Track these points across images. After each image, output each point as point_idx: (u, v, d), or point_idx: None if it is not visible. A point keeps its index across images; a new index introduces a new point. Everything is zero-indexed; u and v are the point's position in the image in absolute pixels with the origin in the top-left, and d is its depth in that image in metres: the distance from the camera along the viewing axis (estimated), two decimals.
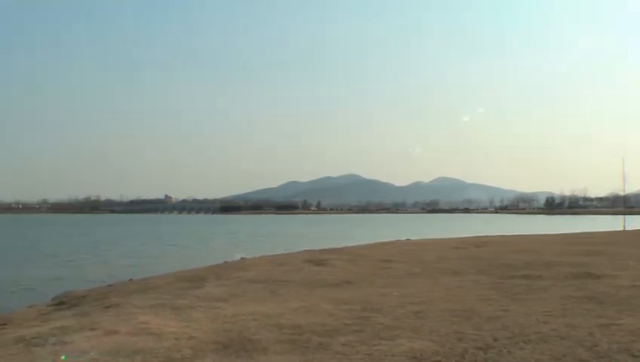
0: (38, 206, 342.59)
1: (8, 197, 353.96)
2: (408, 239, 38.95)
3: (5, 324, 13.30)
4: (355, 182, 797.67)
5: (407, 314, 10.03)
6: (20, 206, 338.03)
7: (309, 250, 29.07)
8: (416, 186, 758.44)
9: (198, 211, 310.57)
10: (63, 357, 7.56)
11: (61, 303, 16.36)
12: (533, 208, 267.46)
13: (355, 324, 9.21)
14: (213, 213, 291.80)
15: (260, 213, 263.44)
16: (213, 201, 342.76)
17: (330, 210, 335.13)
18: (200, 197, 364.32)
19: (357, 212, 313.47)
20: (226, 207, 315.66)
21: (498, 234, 46.48)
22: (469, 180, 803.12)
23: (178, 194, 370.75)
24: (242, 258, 27.19)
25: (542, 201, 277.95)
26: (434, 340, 8.00)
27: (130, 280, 21.07)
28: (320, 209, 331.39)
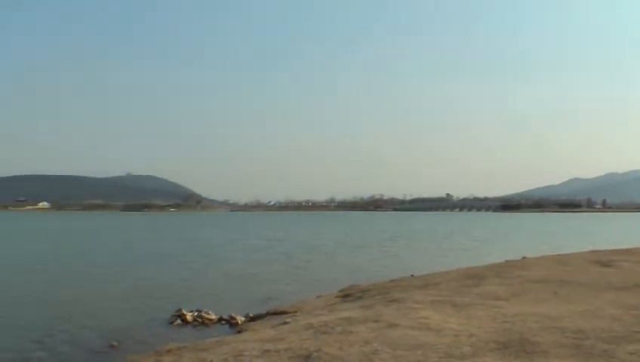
0: (326, 204, 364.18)
1: (299, 196, 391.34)
2: None
3: (296, 312, 14.64)
4: None
5: None
6: (310, 203, 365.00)
7: (595, 250, 26.42)
8: None
9: (478, 209, 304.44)
10: None
11: (347, 295, 17.11)
12: None
13: None
14: (494, 211, 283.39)
15: (541, 212, 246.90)
16: (494, 200, 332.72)
17: (617, 208, 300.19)
18: (481, 195, 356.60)
19: None
20: (506, 205, 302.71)
21: None
22: None
23: (460, 193, 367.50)
24: (524, 257, 26.00)
25: None
26: None
27: (412, 276, 21.38)
28: (605, 207, 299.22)
